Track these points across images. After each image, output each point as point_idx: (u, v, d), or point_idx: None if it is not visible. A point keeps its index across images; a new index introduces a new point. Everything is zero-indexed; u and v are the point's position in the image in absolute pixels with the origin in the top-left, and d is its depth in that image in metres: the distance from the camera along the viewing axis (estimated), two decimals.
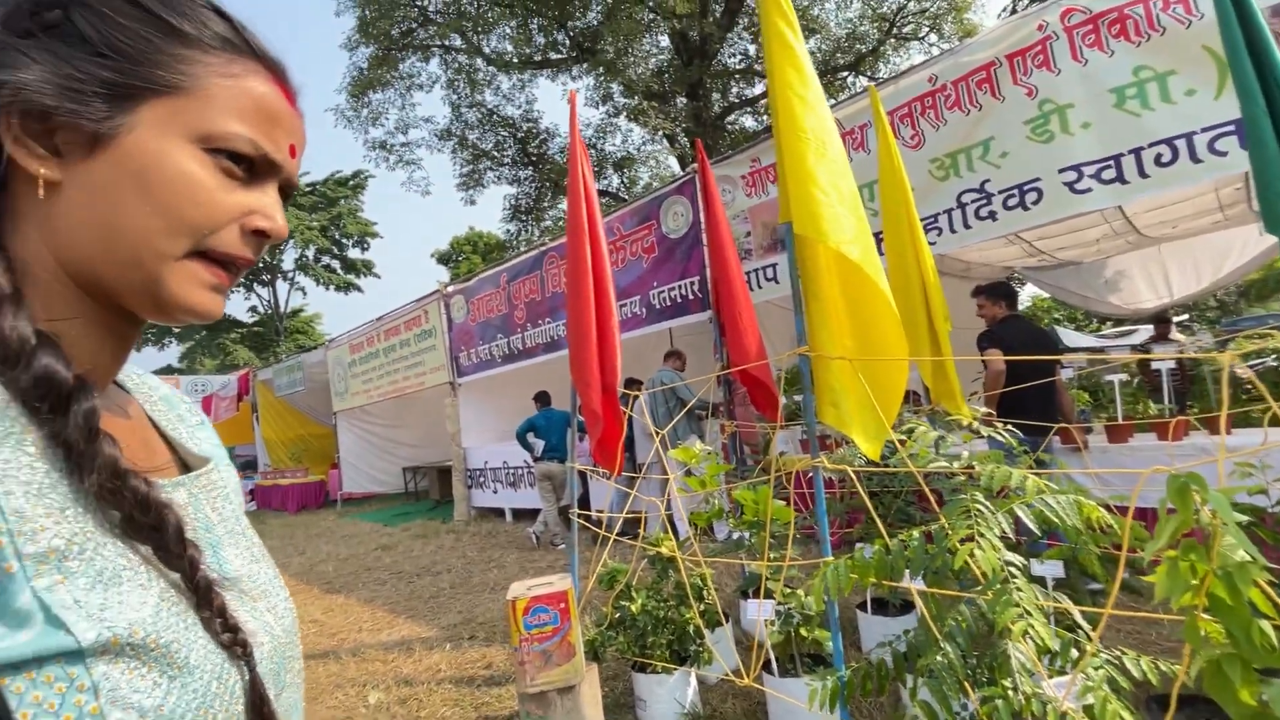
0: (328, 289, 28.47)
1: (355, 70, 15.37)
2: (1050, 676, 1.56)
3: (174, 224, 0.43)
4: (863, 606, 3.14)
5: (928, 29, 15.03)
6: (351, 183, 28.24)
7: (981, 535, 1.59)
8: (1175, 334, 7.26)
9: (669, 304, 5.84)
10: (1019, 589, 1.56)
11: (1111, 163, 3.46)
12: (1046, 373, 3.52)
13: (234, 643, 0.44)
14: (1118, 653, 1.66)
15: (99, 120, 0.41)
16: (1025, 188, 3.80)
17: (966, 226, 4.10)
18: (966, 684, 1.62)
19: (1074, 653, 1.66)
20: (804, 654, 2.60)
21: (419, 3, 15.12)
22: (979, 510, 1.66)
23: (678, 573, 2.72)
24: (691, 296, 5.62)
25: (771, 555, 2.51)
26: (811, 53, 2.19)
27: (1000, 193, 3.91)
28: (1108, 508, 1.70)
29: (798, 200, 2.02)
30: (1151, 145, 3.32)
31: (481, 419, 8.80)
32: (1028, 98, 3.75)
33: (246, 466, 13.64)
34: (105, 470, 0.40)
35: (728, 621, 2.93)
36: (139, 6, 0.43)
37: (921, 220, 3.50)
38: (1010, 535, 1.66)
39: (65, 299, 0.43)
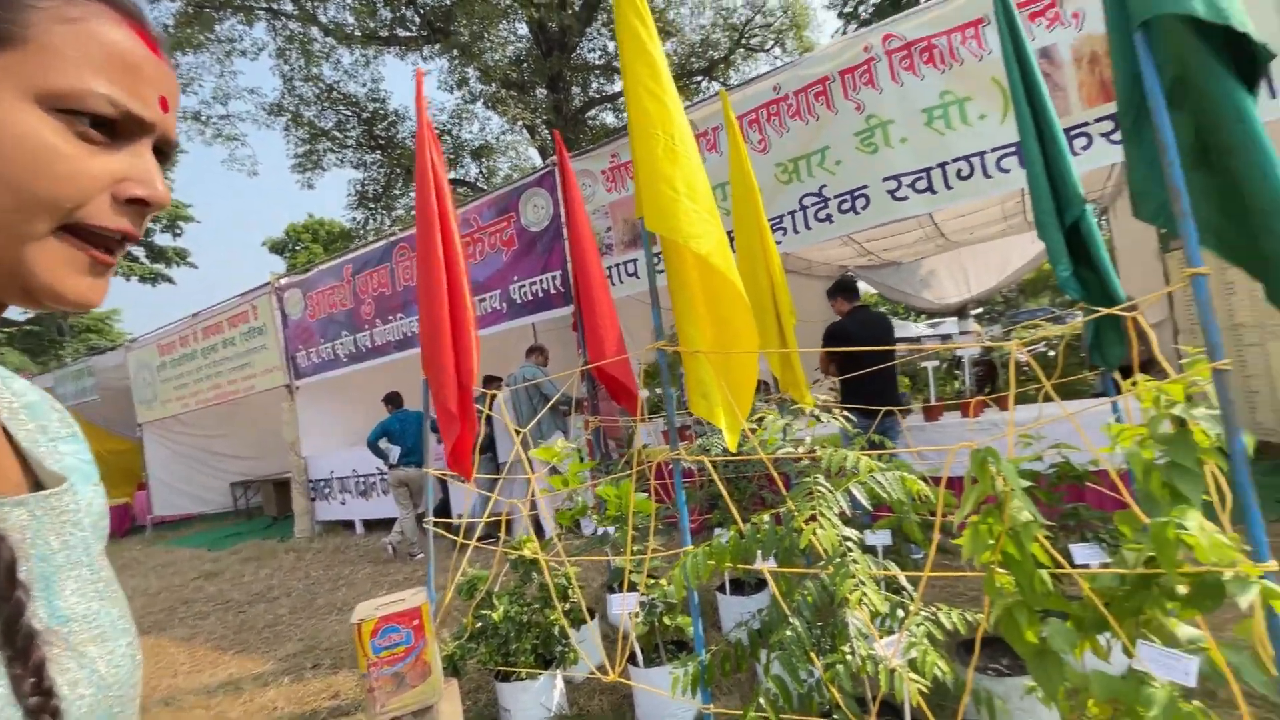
0: (128, 280, 24.31)
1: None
2: (881, 637, 1.72)
3: (26, 199, 0.37)
4: (722, 589, 3.29)
5: (773, 42, 16.12)
6: None
7: (822, 514, 1.71)
8: (973, 325, 8.44)
9: (530, 299, 5.71)
10: (855, 561, 1.69)
11: (923, 174, 3.91)
12: (886, 359, 3.86)
13: (41, 709, 0.37)
14: (934, 609, 1.88)
15: None
16: (856, 193, 4.18)
17: (807, 227, 4.44)
18: (812, 654, 1.74)
19: (900, 613, 1.84)
20: (668, 642, 2.66)
21: None
22: (820, 491, 1.79)
23: (541, 574, 2.65)
24: (554, 291, 5.54)
25: (635, 548, 2.53)
26: (668, 54, 2.21)
27: (835, 197, 4.28)
28: (925, 480, 1.91)
29: (649, 197, 2.03)
30: (954, 161, 3.81)
31: (325, 424, 8.03)
32: (856, 112, 4.13)
33: None
34: None
35: (594, 618, 2.92)
36: None
37: (769, 220, 3.71)
38: (847, 512, 1.80)
39: None
